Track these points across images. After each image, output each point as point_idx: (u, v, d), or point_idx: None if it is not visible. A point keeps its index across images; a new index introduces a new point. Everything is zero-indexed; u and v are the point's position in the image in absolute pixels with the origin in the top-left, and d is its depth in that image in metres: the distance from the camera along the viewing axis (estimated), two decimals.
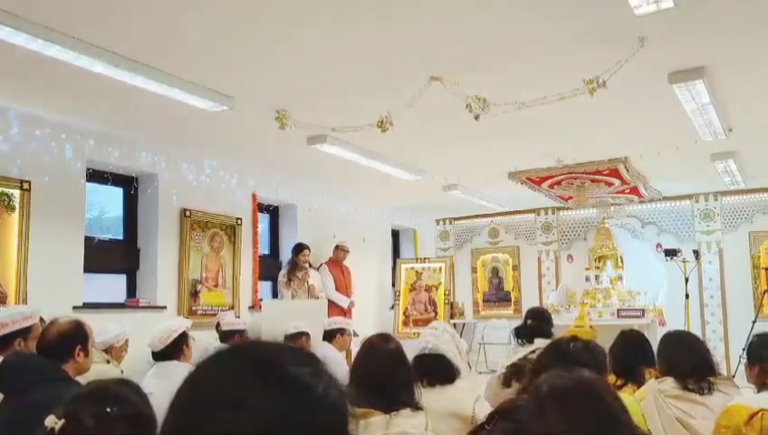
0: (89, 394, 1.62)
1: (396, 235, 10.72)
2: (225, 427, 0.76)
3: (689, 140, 5.74)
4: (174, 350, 3.50)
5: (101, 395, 1.60)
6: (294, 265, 7.45)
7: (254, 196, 7.35)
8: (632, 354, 3.39)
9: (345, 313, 7.77)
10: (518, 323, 4.46)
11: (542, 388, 1.48)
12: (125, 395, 1.62)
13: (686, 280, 8.04)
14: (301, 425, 0.78)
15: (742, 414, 2.14)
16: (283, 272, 7.56)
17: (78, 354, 2.61)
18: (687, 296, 8.04)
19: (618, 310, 8.14)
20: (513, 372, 3.23)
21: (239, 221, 7.11)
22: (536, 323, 4.08)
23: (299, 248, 7.51)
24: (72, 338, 2.63)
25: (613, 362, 3.14)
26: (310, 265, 7.62)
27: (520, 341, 4.01)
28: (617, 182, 7.43)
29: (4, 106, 4.86)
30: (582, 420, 1.40)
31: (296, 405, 0.79)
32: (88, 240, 5.68)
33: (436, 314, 9.21)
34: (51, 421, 1.50)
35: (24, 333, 2.99)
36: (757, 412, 2.11)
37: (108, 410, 1.54)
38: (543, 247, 10.05)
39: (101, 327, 4.20)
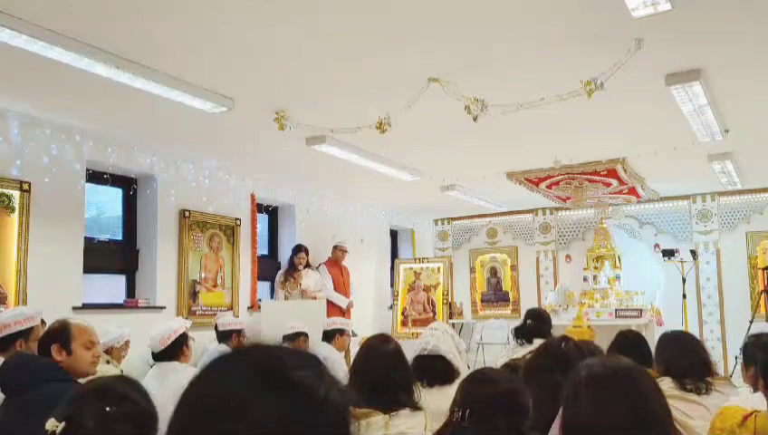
0: (88, 393, 1.63)
1: (394, 235, 10.73)
2: (228, 431, 0.77)
3: (686, 140, 5.76)
4: (174, 350, 3.50)
5: (101, 394, 1.60)
6: (291, 267, 7.48)
7: (252, 196, 7.37)
8: (630, 355, 3.40)
9: (344, 313, 7.78)
10: (516, 323, 4.48)
11: (579, 374, 1.46)
12: (125, 393, 1.62)
13: (684, 280, 8.05)
14: (303, 428, 0.79)
15: (736, 416, 2.17)
16: (280, 272, 7.61)
17: (59, 352, 2.56)
18: (685, 296, 8.05)
19: (615, 310, 8.16)
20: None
21: (238, 222, 7.12)
22: (535, 323, 4.11)
23: (296, 250, 7.55)
24: (50, 337, 2.62)
25: None
26: (308, 266, 7.63)
27: (519, 341, 4.05)
28: (615, 183, 7.44)
29: (3, 107, 4.86)
30: (617, 407, 1.37)
31: (298, 408, 0.80)
32: (87, 241, 5.69)
33: (435, 314, 9.22)
34: (51, 425, 1.50)
35: (25, 334, 2.99)
36: (751, 414, 2.14)
37: (107, 409, 1.54)
38: (542, 247, 10.05)
39: (103, 330, 4.21)
